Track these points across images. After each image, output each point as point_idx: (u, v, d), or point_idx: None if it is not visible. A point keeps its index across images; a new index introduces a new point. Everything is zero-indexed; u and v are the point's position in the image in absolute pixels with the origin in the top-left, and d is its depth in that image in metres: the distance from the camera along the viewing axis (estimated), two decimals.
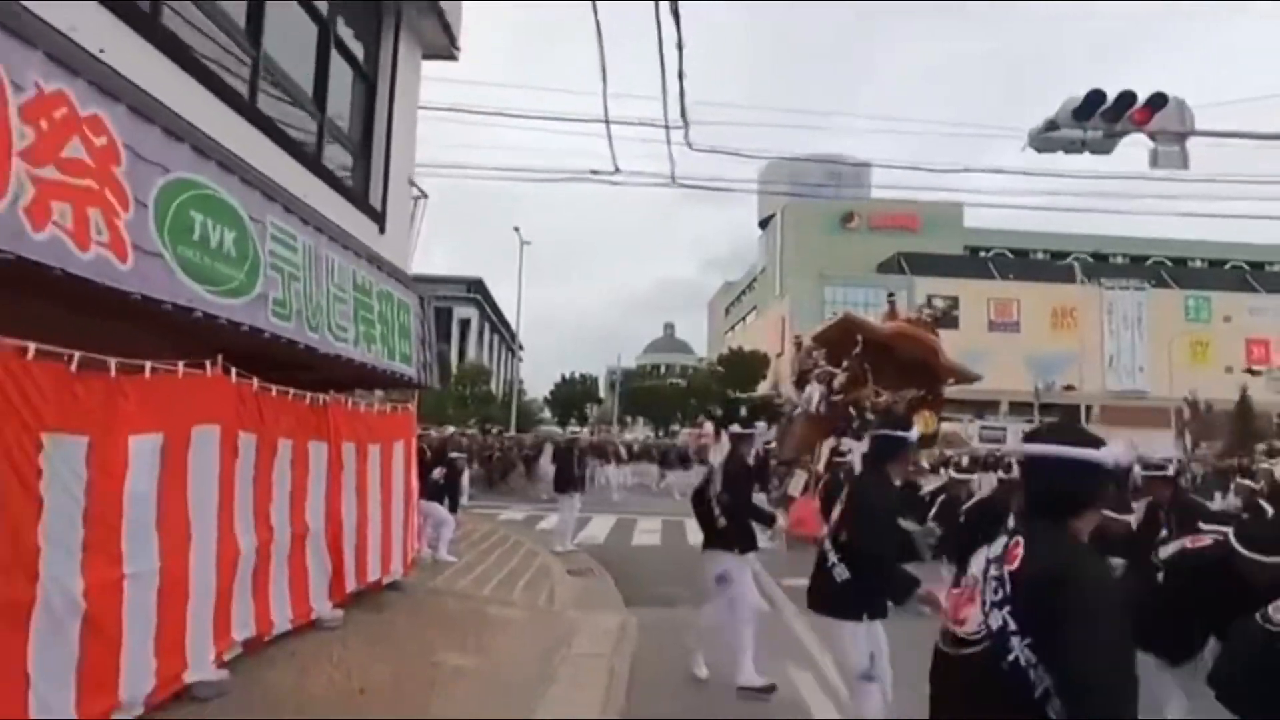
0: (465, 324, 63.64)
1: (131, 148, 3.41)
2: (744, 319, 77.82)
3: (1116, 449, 1.78)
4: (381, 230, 7.00)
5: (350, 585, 5.99)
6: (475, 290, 63.66)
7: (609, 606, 7.33)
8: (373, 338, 6.19)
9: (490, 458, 22.51)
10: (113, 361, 3.37)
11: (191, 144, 3.87)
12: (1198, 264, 64.01)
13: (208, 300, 3.92)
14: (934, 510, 7.94)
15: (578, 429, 51.42)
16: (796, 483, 13.30)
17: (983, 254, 64.28)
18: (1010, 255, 64.34)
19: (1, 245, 2.74)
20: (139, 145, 3.48)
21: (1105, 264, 63.06)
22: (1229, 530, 3.25)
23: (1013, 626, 1.66)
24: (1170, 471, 6.90)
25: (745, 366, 52.46)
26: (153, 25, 4.01)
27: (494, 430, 32.69)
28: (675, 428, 52.07)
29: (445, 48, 8.03)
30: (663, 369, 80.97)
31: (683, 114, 10.52)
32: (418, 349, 7.20)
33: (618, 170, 12.56)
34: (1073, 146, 9.81)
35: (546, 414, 60.72)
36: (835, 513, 3.78)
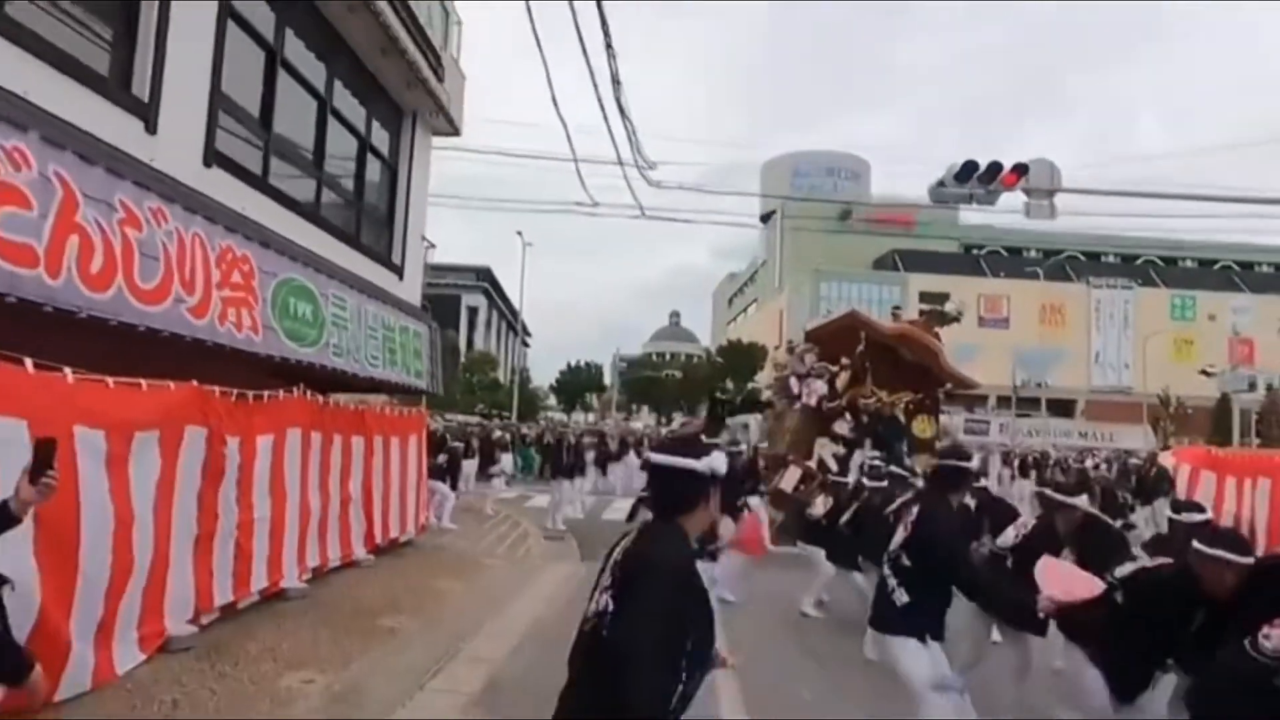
0: (474, 311, 65.82)
1: (260, 267, 5.82)
2: (745, 310, 79.62)
3: (715, 459, 1.96)
4: (400, 278, 9.41)
5: (378, 538, 8.43)
6: (484, 278, 65.61)
7: (568, 559, 9.76)
8: (394, 361, 8.62)
9: (548, 447, 22.82)
10: (250, 394, 5.77)
11: (289, 255, 6.28)
12: (1188, 263, 65.34)
13: (298, 352, 6.34)
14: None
15: (582, 417, 54.07)
16: (790, 477, 12.80)
17: (975, 251, 65.78)
18: (1004, 253, 65.66)
19: (205, 337, 5.15)
20: (263, 264, 5.88)
21: (1097, 262, 64.48)
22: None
23: (611, 609, 1.79)
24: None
25: (744, 358, 54.25)
26: (263, 182, 6.40)
27: (499, 416, 35.12)
28: (676, 415, 54.45)
29: (450, 130, 10.39)
30: (667, 357, 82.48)
31: (638, 160, 12.67)
32: (427, 365, 9.64)
33: (596, 204, 15.00)
34: (963, 199, 12.12)
35: (551, 401, 63.21)
36: (897, 537, 3.73)
